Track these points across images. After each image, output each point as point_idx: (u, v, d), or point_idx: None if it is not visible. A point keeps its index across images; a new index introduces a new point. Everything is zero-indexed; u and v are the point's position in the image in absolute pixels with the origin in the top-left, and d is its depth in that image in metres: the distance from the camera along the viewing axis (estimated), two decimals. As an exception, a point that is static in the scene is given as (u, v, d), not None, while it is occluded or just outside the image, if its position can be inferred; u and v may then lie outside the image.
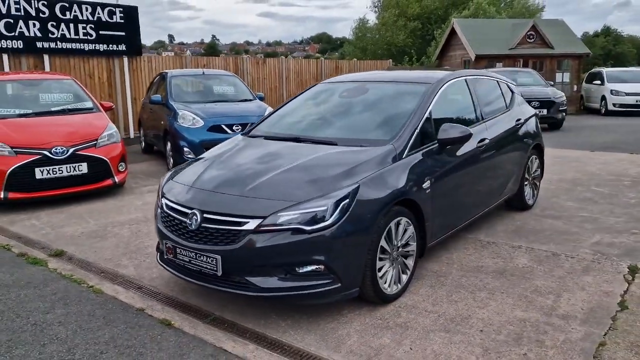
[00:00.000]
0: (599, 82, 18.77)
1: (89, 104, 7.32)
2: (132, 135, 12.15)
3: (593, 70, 20.45)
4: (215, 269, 3.21)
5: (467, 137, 3.98)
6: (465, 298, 3.60)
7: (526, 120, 5.46)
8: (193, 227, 3.30)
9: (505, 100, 5.34)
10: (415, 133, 3.83)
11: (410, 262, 3.72)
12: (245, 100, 8.91)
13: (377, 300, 3.46)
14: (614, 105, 17.58)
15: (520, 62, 18.73)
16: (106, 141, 6.66)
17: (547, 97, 13.22)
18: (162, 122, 8.42)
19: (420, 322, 3.30)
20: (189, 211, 3.37)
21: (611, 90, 17.70)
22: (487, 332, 3.16)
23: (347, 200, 3.19)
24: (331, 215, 3.12)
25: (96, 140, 6.54)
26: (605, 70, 19.20)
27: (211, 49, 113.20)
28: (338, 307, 3.48)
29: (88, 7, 11.09)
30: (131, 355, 2.98)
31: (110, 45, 11.60)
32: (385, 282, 3.48)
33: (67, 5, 10.77)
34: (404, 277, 3.68)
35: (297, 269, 3.15)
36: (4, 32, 9.97)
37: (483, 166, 4.56)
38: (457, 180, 4.18)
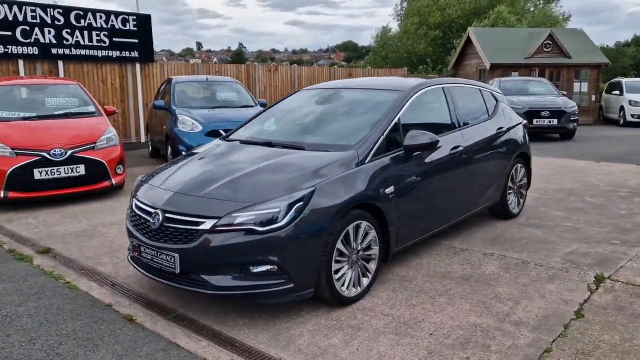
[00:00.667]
0: (618, 92, 18.45)
1: (91, 108, 7.57)
2: (142, 139, 12.45)
3: (613, 80, 20.10)
4: (173, 266, 3.33)
5: (433, 144, 4.02)
6: (424, 302, 3.64)
7: (509, 129, 5.46)
8: (155, 225, 3.43)
9: (487, 109, 5.35)
10: (381, 139, 3.90)
11: (372, 265, 3.78)
12: (247, 107, 9.07)
13: (334, 302, 3.53)
14: (632, 116, 17.25)
15: (536, 72, 18.53)
16: (104, 144, 6.88)
17: (557, 106, 13.08)
18: (164, 127, 8.65)
19: (373, 324, 3.35)
20: (152, 211, 3.50)
21: (630, 101, 17.38)
22: (436, 335, 3.19)
23: (301, 202, 3.27)
24: (284, 217, 3.21)
25: (94, 143, 6.76)
26: (624, 81, 18.85)
27: (237, 57, 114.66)
28: (296, 308, 3.56)
29: (102, 15, 11.46)
30: (87, 347, 3.11)
31: (123, 52, 11.95)
32: (343, 285, 3.54)
33: (81, 13, 11.15)
34: (365, 281, 3.73)
35: (250, 268, 3.24)
36: (20, 39, 10.38)
37: (457, 173, 4.58)
38: (426, 187, 4.22)
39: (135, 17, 12.04)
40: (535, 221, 5.62)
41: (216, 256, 3.22)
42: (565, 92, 14.91)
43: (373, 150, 3.82)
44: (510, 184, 5.54)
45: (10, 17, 10.20)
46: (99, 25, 11.42)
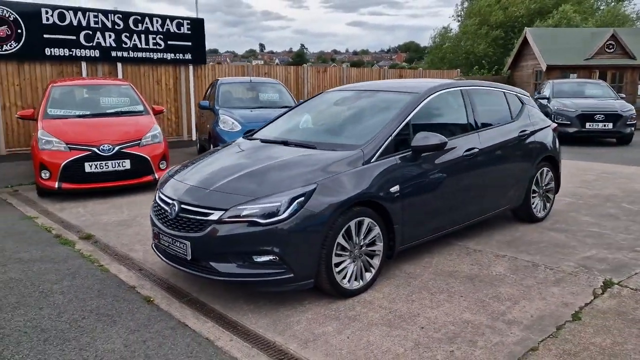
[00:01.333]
0: (687, 95, 17.43)
1: (139, 107, 8.11)
2: (194, 137, 13.05)
3: (683, 82, 18.97)
4: (185, 253, 3.63)
5: (442, 146, 4.11)
6: (423, 299, 3.76)
7: (534, 132, 5.42)
8: (172, 215, 3.75)
9: (511, 112, 5.35)
10: (389, 140, 4.04)
11: (375, 261, 3.93)
12: (288, 107, 9.36)
13: (335, 293, 3.71)
14: (702, 120, 16.20)
15: (596, 74, 17.80)
16: (149, 141, 7.37)
17: (613, 110, 12.55)
18: (208, 126, 9.09)
19: (370, 316, 3.51)
20: (170, 202, 3.82)
21: (699, 105, 16.36)
22: (427, 329, 3.31)
23: (302, 198, 3.48)
24: (285, 211, 3.43)
25: (140, 140, 7.26)
26: (695, 83, 17.78)
27: (299, 58, 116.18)
28: (300, 298, 3.77)
29: (158, 19, 12.14)
30: (106, 321, 3.46)
31: (177, 55, 12.59)
32: (344, 278, 3.72)
33: (139, 18, 11.87)
34: (368, 275, 3.89)
35: (254, 257, 3.49)
36: (83, 42, 11.19)
37: (471, 175, 4.64)
38: (436, 187, 4.32)
39: (189, 22, 12.66)
40: (560, 225, 5.55)
41: (222, 245, 3.49)
42: (624, 95, 14.26)
43: (380, 150, 3.97)
44: (534, 187, 5.50)
45: (75, 23, 11.02)
46: (155, 29, 12.11)
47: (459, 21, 44.21)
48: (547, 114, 13.32)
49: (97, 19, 11.31)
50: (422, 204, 4.22)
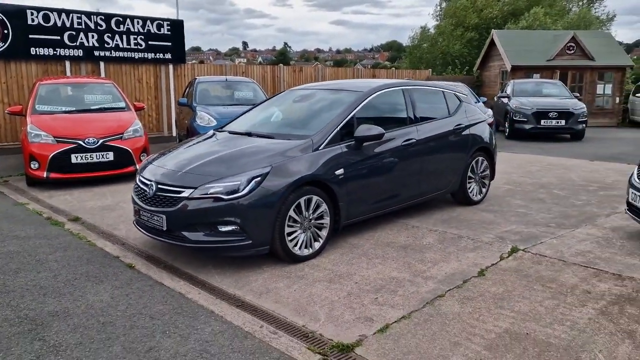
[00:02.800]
0: (641, 94, 18.52)
1: (122, 104, 8.76)
2: (174, 133, 13.68)
3: (640, 82, 20.09)
4: (161, 225, 4.34)
5: (380, 136, 4.88)
6: (361, 262, 4.53)
7: (469, 125, 6.22)
8: (150, 194, 4.46)
9: (448, 108, 6.15)
10: (335, 131, 4.80)
11: (323, 233, 4.68)
12: (261, 104, 10.08)
13: (288, 259, 4.46)
14: (654, 118, 17.31)
15: (557, 74, 18.81)
16: (131, 135, 8.04)
17: (565, 108, 13.51)
18: (186, 122, 9.78)
19: (315, 275, 4.27)
20: (149, 183, 4.54)
21: (652, 103, 17.45)
22: (359, 283, 4.08)
23: (259, 178, 4.22)
24: (244, 188, 4.17)
25: (122, 133, 7.92)
26: (650, 83, 18.87)
27: (282, 56, 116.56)
28: (259, 262, 4.51)
29: (139, 20, 12.74)
30: (94, 281, 4.16)
31: (158, 54, 13.20)
32: (295, 245, 4.46)
33: (121, 19, 12.46)
34: (317, 244, 4.64)
35: (219, 227, 4.21)
36: (67, 42, 11.76)
37: (409, 162, 5.41)
38: (376, 172, 5.09)
39: (169, 23, 13.28)
40: (493, 207, 6.37)
41: (192, 217, 4.21)
42: (578, 95, 15.26)
43: (327, 140, 4.73)
44: (470, 174, 6.31)
45: (59, 24, 11.58)
46: (136, 30, 12.71)
47: (437, 21, 45.29)
48: (507, 112, 14.27)
49: (80, 20, 11.87)
50: (364, 186, 4.98)
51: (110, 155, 7.74)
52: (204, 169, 4.41)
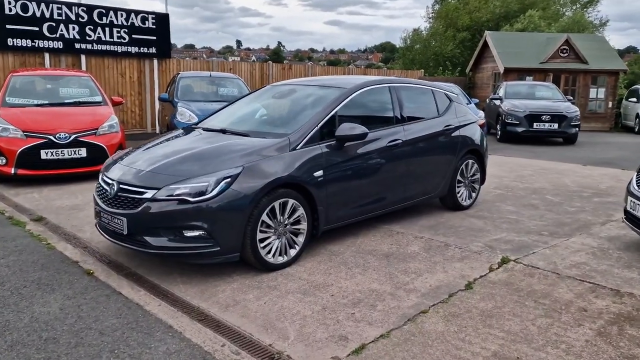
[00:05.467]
0: (635, 99, 18.35)
1: (98, 98, 8.37)
2: (158, 130, 13.28)
3: (633, 87, 19.93)
4: (122, 229, 3.97)
5: (363, 136, 4.54)
6: (340, 272, 4.18)
7: (459, 127, 5.90)
8: (111, 195, 4.09)
9: (437, 108, 5.82)
10: (315, 130, 4.45)
11: (300, 239, 4.33)
12: (245, 101, 9.72)
13: (260, 267, 4.10)
14: (647, 123, 17.14)
15: (550, 77, 18.59)
16: (106, 130, 7.64)
17: (558, 111, 13.26)
18: (167, 118, 9.39)
19: (288, 286, 3.91)
20: (111, 182, 4.16)
21: (645, 108, 17.26)
22: (336, 296, 3.73)
23: (228, 179, 3.86)
24: (212, 190, 3.81)
25: (96, 129, 7.53)
26: (642, 88, 18.70)
27: (275, 55, 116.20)
28: (229, 270, 4.15)
29: (123, 13, 12.34)
30: (45, 290, 3.78)
31: (142, 48, 12.81)
32: (269, 253, 4.11)
33: (104, 11, 12.06)
34: (292, 252, 4.29)
35: (184, 232, 3.85)
36: (47, 34, 11.34)
37: (394, 164, 5.08)
38: (359, 174, 4.74)
39: (154, 16, 12.89)
40: (482, 213, 6.05)
41: (155, 221, 3.85)
42: (571, 98, 15.03)
43: (306, 139, 4.38)
44: (460, 177, 5.99)
45: (38, 14, 11.15)
46: (119, 23, 12.31)
47: (429, 23, 45.11)
48: (499, 114, 14.00)
49: (60, 11, 11.46)
50: (345, 189, 4.64)
51: (82, 152, 7.34)
52: (170, 168, 4.05)
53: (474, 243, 4.90)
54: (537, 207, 6.45)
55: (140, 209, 3.87)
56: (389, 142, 5.00)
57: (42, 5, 11.20)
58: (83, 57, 11.98)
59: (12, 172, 7.05)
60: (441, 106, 5.89)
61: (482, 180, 6.45)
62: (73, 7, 11.60)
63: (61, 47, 11.58)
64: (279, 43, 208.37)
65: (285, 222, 4.20)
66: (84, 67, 11.97)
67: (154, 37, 12.93)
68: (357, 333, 3.20)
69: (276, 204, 4.09)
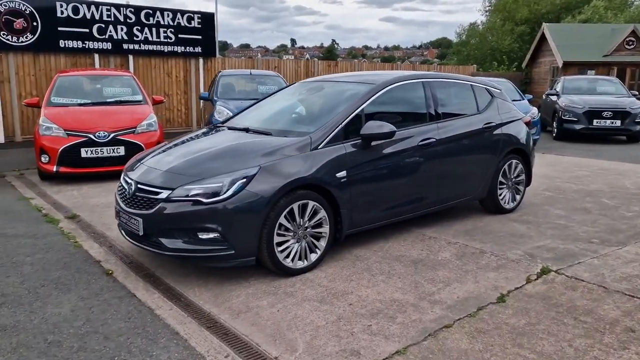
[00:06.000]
0: None
1: (139, 97, 8.46)
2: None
3: None
4: (138, 229, 3.90)
5: (390, 134, 4.27)
6: (362, 279, 3.94)
7: (502, 124, 5.49)
8: (129, 194, 4.03)
9: (477, 104, 5.44)
10: (339, 128, 4.22)
11: (322, 243, 4.12)
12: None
13: (277, 271, 3.92)
14: None
15: (615, 70, 17.44)
16: (144, 129, 7.70)
17: (622, 107, 12.34)
18: (206, 116, 9.40)
19: (306, 293, 3.71)
20: (130, 182, 4.10)
21: None
22: (354, 305, 3.50)
23: (244, 179, 3.70)
24: (227, 191, 3.66)
25: (135, 127, 7.60)
26: None
27: (329, 53, 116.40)
28: (247, 274, 4.00)
29: (169, 13, 12.51)
30: (62, 289, 3.76)
31: (188, 47, 12.95)
32: (287, 257, 3.92)
33: (151, 12, 12.26)
34: (313, 256, 4.08)
35: (199, 234, 3.72)
36: (96, 35, 11.65)
37: (427, 165, 4.77)
38: (388, 175, 4.47)
39: (200, 16, 13.00)
40: (527, 217, 5.62)
41: (169, 222, 3.74)
42: (637, 93, 13.97)
43: (329, 137, 4.16)
44: (502, 179, 5.58)
45: (88, 16, 11.48)
46: (166, 23, 12.49)
47: (486, 17, 43.66)
48: (555, 111, 13.23)
49: (109, 13, 11.74)
50: (372, 191, 4.38)
51: (121, 150, 7.43)
52: (187, 167, 3.94)
53: (512, 250, 4.52)
54: (590, 211, 5.94)
55: (155, 209, 3.78)
56: (420, 141, 4.69)
57: (92, 7, 11.52)
58: (131, 58, 12.24)
59: (54, 169, 7.22)
60: (481, 102, 5.50)
61: (528, 182, 6.00)
62: (121, 9, 11.87)
63: (110, 48, 11.88)
64: (333, 41, 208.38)
65: (306, 225, 4.00)
66: (131, 67, 12.23)
67: (200, 37, 13.05)
68: (370, 348, 2.96)
69: (295, 206, 3.89)
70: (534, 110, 11.38)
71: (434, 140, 4.79)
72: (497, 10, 39.72)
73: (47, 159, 7.23)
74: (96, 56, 11.81)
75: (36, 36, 10.99)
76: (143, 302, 3.59)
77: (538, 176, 7.85)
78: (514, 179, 5.75)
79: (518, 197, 5.87)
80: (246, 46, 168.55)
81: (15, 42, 10.84)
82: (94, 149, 7.28)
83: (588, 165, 9.24)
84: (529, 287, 3.77)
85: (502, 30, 37.09)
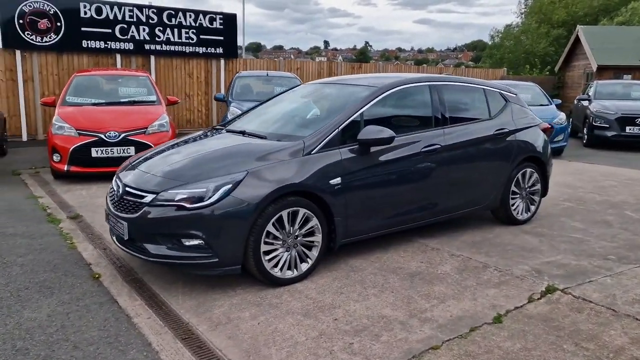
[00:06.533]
0: None
1: (153, 97, 8.45)
2: (223, 129, 13.40)
3: None
4: (123, 233, 3.80)
5: (389, 140, 4.06)
6: (353, 292, 3.74)
7: (515, 130, 5.20)
8: (117, 198, 3.93)
9: (489, 109, 5.17)
10: (334, 133, 4.03)
11: (314, 252, 3.94)
12: (301, 101, 9.45)
13: (265, 281, 3.76)
14: None
15: (653, 75, 16.69)
16: (156, 129, 7.67)
17: (655, 113, 11.73)
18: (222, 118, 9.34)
19: (291, 305, 3.54)
20: (119, 185, 4.01)
21: None
22: (339, 321, 3.31)
23: (230, 185, 3.56)
24: (210, 197, 3.52)
25: (146, 128, 7.57)
26: None
27: (361, 55, 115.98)
28: (234, 283, 3.85)
29: (191, 14, 12.54)
30: (44, 293, 3.68)
31: (209, 48, 12.96)
32: (275, 266, 3.76)
33: (173, 12, 12.32)
34: (304, 266, 3.91)
35: (182, 241, 3.59)
36: (118, 35, 11.76)
37: (431, 172, 4.53)
38: (388, 183, 4.26)
39: (222, 16, 13.00)
40: (541, 229, 5.31)
41: (153, 227, 3.63)
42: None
43: (324, 142, 3.98)
44: (515, 188, 5.29)
45: (111, 17, 11.60)
46: (188, 24, 12.53)
47: (521, 19, 42.64)
48: (586, 117, 12.70)
49: (132, 13, 11.84)
50: (369, 199, 4.18)
51: (131, 150, 7.40)
52: (174, 171, 3.82)
53: (519, 266, 4.25)
54: (611, 224, 5.58)
55: (139, 213, 3.67)
56: (424, 147, 4.46)
57: (115, 8, 11.64)
58: (152, 58, 12.31)
59: (65, 168, 7.25)
60: (494, 107, 5.23)
61: (544, 192, 5.67)
62: (144, 9, 11.95)
63: (132, 48, 11.98)
64: (366, 43, 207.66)
65: (296, 234, 3.83)
66: (152, 68, 12.30)
67: (221, 37, 13.04)
68: (347, 369, 2.77)
69: (284, 213, 3.72)
70: (562, 115, 10.94)
71: (439, 146, 4.56)
72: (532, 12, 38.74)
73: (58, 157, 7.27)
74: (118, 56, 11.92)
75: (60, 36, 11.16)
76: (123, 309, 3.48)
77: (560, 185, 7.49)
78: (528, 189, 5.44)
79: (533, 207, 5.55)
80: (279, 48, 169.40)
81: (39, 42, 11.03)
82: (105, 148, 7.28)
83: (616, 175, 8.77)
84: (531, 307, 3.50)
85: (537, 32, 36.15)
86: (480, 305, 3.50)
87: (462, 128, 4.83)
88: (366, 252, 4.49)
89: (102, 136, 7.27)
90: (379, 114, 4.35)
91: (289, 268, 3.84)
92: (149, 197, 3.65)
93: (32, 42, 10.97)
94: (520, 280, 3.93)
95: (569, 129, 11.05)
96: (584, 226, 5.48)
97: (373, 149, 4.16)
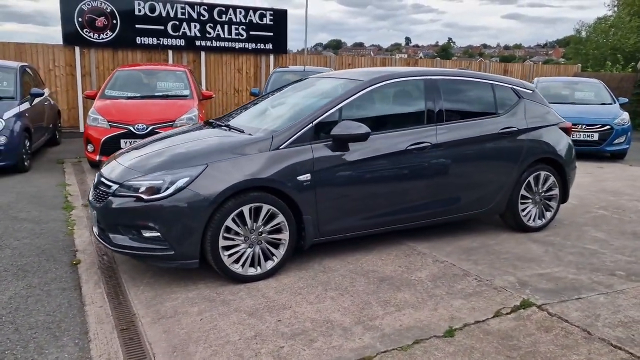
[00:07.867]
0: None
1: (186, 92, 8.65)
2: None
3: None
4: (94, 222, 3.89)
5: (363, 136, 3.86)
6: (311, 294, 3.59)
7: (526, 130, 4.77)
8: (93, 186, 4.03)
9: (496, 106, 4.78)
10: (306, 128, 3.89)
11: (280, 250, 3.83)
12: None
13: (226, 277, 3.71)
14: None
15: None
16: (184, 122, 7.82)
17: None
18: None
19: (244, 302, 3.46)
20: (98, 175, 4.11)
21: None
22: (282, 322, 3.18)
23: (187, 179, 3.53)
24: (166, 190, 3.51)
25: (174, 121, 7.76)
26: None
27: (443, 52, 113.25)
28: (199, 277, 3.83)
29: (242, 10, 12.74)
30: (19, 276, 3.84)
31: (259, 44, 13.10)
32: (236, 262, 3.69)
33: (223, 9, 12.57)
34: (269, 264, 3.81)
35: (142, 232, 3.62)
36: (170, 32, 12.17)
37: (419, 172, 4.26)
38: (366, 181, 4.06)
39: (272, 12, 13.10)
40: (553, 238, 4.85)
41: (114, 217, 3.67)
42: None
43: (294, 137, 3.85)
44: (525, 192, 4.87)
45: (163, 14, 12.03)
46: (238, 20, 12.73)
47: (613, 12, 39.59)
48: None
49: (184, 10, 12.21)
50: (345, 197, 4.01)
51: (158, 143, 7.61)
52: (140, 163, 3.85)
53: (503, 276, 3.89)
54: (639, 236, 5.00)
55: (104, 203, 3.73)
56: (410, 145, 4.20)
57: (168, 6, 12.05)
58: (202, 54, 12.64)
59: (97, 158, 7.59)
60: (502, 104, 4.83)
61: (564, 198, 5.18)
62: (195, 6, 12.29)
63: (183, 44, 12.36)
64: (449, 39, 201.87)
65: (260, 230, 3.73)
66: (202, 64, 12.62)
67: (271, 34, 13.15)
68: (263, 374, 2.64)
69: (245, 209, 3.64)
70: (624, 115, 10.01)
71: (429, 144, 4.27)
72: (625, 4, 35.80)
73: (92, 148, 7.63)
74: (170, 52, 12.35)
75: (115, 33, 11.73)
76: (83, 296, 3.56)
77: (604, 191, 6.87)
78: (542, 194, 4.99)
79: (548, 214, 5.08)
80: (359, 45, 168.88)
81: (96, 39, 11.66)
82: (133, 140, 7.53)
83: (677, 182, 7.88)
84: (494, 322, 3.18)
85: (628, 26, 33.40)
86: (437, 317, 3.24)
87: (460, 125, 4.50)
88: (345, 253, 4.31)
89: (131, 128, 7.54)
90: (361, 110, 4.16)
91: (253, 265, 3.75)
92: (113, 187, 3.71)
93: (90, 39, 11.62)
94: (496, 292, 3.60)
95: (631, 131, 10.08)
96: (606, 237, 4.95)
97: (351, 145, 3.97)
